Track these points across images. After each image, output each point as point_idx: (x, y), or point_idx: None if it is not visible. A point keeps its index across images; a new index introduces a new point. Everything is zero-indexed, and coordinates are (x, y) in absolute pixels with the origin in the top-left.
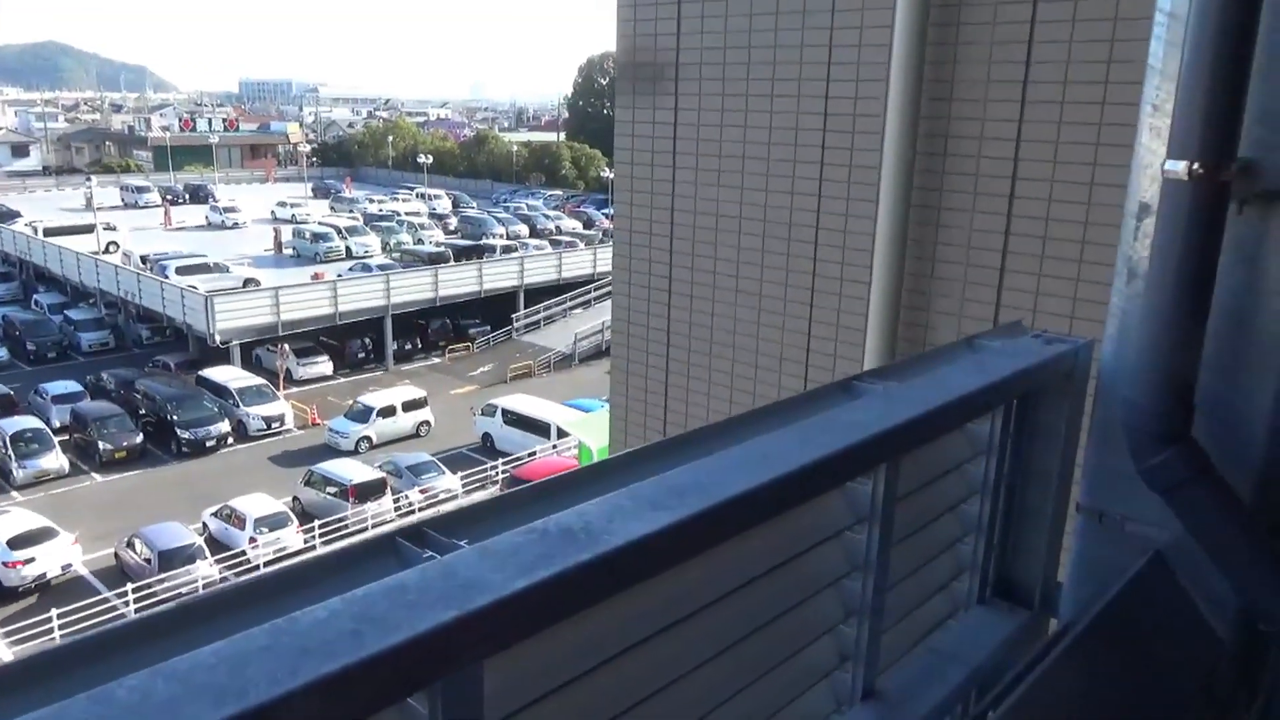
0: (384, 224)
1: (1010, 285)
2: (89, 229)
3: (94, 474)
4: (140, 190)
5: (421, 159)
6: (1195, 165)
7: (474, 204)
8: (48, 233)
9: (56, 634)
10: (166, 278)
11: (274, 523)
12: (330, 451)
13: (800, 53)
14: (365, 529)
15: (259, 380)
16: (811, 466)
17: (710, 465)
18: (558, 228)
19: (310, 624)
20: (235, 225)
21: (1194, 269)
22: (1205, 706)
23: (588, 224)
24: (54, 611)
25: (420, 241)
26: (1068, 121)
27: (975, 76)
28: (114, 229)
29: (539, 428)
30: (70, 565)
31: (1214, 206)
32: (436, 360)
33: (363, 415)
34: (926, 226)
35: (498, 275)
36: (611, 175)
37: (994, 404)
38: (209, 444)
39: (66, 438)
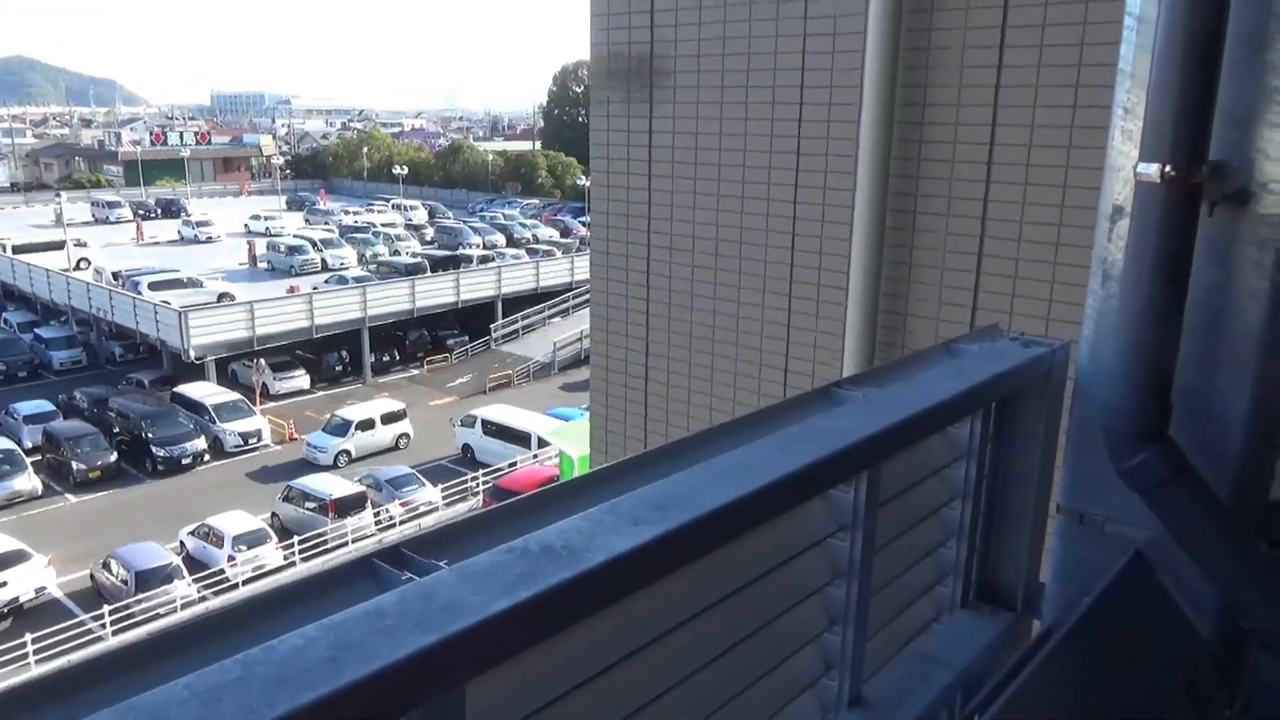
0: (360, 236)
1: (986, 288)
2: (59, 245)
3: (68, 494)
4: (111, 205)
5: (397, 170)
6: (1167, 168)
7: (450, 214)
8: (16, 250)
9: (31, 659)
10: (139, 293)
11: (253, 540)
12: (309, 466)
13: (774, 59)
14: (345, 544)
15: (235, 396)
16: (794, 475)
17: (691, 477)
18: (534, 236)
19: (285, 652)
20: (209, 239)
21: (1168, 270)
22: (1187, 705)
23: (564, 232)
24: (28, 636)
25: (396, 253)
26: (1040, 125)
27: (948, 81)
28: (85, 245)
29: (519, 438)
30: (44, 588)
31: (1186, 208)
32: (415, 372)
33: (341, 429)
34: (902, 231)
35: (475, 285)
36: (588, 183)
37: (973, 407)
38: (185, 461)
39: (39, 458)
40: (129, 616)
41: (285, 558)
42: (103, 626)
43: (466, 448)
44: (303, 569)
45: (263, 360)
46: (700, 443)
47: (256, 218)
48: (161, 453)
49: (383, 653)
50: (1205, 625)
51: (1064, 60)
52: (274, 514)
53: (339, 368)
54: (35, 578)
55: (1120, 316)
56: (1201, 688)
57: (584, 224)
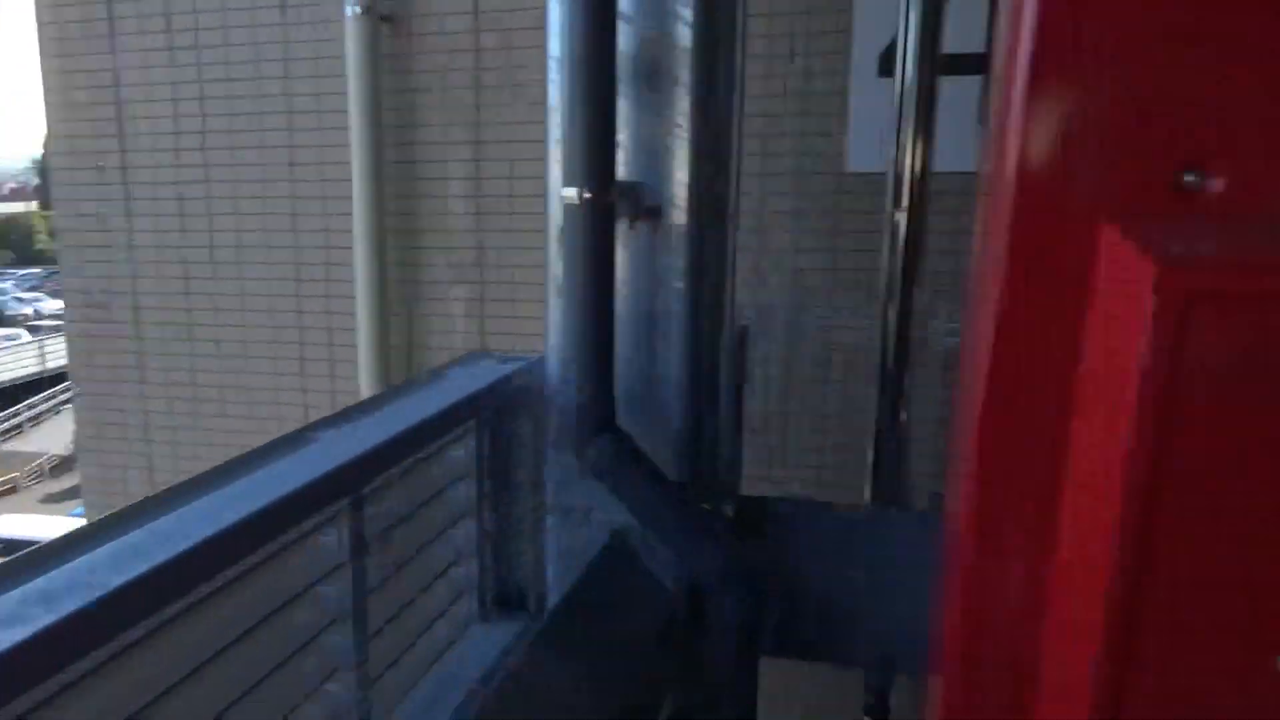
0: None
1: (490, 314)
2: None
3: None
4: None
5: None
6: (584, 191)
7: None
8: None
9: None
10: None
11: None
12: None
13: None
14: None
15: None
16: (232, 530)
17: (93, 561)
18: (36, 311)
19: None
20: None
21: (596, 279)
22: (665, 654)
23: None
24: None
25: None
26: (517, 159)
27: (434, 122)
28: None
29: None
30: None
31: (604, 225)
32: None
33: None
34: (407, 266)
35: None
36: None
37: (457, 425)
38: None
39: None
40: None
41: None
42: None
43: None
44: None
45: None
46: (133, 515)
47: None
48: None
49: None
50: (671, 581)
51: (532, 99)
52: None
53: None
54: None
55: (565, 324)
56: (676, 637)
57: None
